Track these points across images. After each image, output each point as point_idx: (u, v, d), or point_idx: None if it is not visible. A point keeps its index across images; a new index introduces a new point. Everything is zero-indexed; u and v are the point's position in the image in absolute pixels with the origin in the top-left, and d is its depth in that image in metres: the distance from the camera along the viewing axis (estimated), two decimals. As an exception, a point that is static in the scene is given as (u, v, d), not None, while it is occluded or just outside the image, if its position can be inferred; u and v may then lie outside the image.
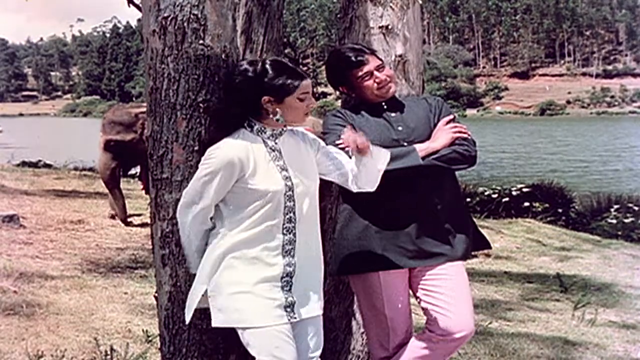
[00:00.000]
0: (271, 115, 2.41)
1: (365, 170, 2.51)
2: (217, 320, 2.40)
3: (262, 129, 2.44)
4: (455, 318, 2.69)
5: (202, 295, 2.43)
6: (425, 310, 2.78)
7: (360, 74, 2.80)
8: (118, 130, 8.14)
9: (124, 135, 8.10)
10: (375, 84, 2.80)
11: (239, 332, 2.40)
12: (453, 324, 2.69)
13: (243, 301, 2.36)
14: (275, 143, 2.45)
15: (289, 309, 2.39)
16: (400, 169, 2.67)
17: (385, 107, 2.84)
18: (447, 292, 2.73)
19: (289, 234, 2.41)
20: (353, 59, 2.82)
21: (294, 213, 2.42)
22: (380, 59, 2.88)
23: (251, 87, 2.38)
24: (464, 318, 2.70)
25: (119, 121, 8.19)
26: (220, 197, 2.38)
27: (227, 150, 2.36)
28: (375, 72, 2.80)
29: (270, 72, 2.38)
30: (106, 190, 8.56)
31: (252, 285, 2.36)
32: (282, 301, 2.38)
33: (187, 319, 2.49)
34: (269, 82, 2.37)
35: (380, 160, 2.51)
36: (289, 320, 2.39)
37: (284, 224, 2.40)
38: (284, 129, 2.48)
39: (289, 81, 2.38)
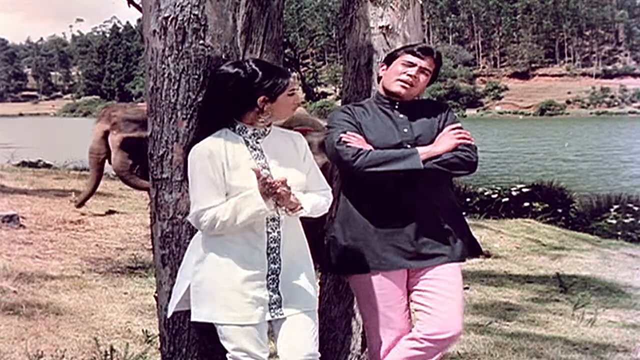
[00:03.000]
0: (261, 116, 2.44)
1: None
2: (199, 315, 2.43)
3: (244, 128, 2.47)
4: (443, 318, 2.72)
5: (184, 299, 2.46)
6: (416, 310, 2.80)
7: (407, 59, 2.81)
8: (134, 128, 8.06)
9: (140, 133, 8.03)
10: (402, 75, 2.80)
11: (218, 326, 2.43)
12: (440, 325, 2.71)
13: (227, 298, 2.39)
14: (257, 142, 2.47)
15: (274, 306, 2.43)
16: (400, 170, 2.69)
17: (396, 107, 2.86)
18: (438, 292, 2.75)
19: (273, 232, 2.44)
20: (416, 48, 2.82)
21: (277, 211, 2.43)
22: (430, 71, 2.85)
23: (245, 88, 2.41)
24: (452, 319, 2.72)
25: (134, 119, 8.12)
26: (223, 188, 2.38)
27: (204, 145, 2.40)
28: (416, 69, 2.80)
29: (260, 73, 2.41)
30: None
31: (236, 282, 2.39)
32: (267, 299, 2.42)
33: (169, 314, 2.54)
34: (263, 83, 2.41)
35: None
36: (272, 317, 2.43)
37: (267, 222, 2.43)
38: (267, 129, 2.50)
39: (280, 80, 2.43)
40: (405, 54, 2.83)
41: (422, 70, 2.82)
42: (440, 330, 2.70)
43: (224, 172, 2.38)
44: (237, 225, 2.36)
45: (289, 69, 2.55)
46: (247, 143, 2.46)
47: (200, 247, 2.44)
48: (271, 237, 2.43)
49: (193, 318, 2.44)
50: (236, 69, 2.43)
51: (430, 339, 2.71)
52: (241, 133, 2.47)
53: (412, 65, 2.81)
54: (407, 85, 2.81)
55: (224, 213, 2.34)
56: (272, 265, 2.44)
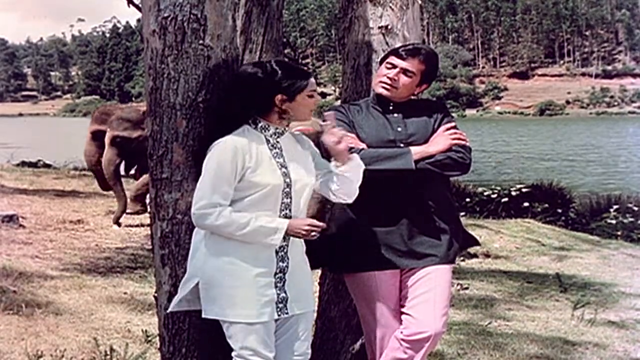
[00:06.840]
0: (284, 116, 2.47)
1: (344, 182, 2.56)
2: (209, 313, 2.43)
3: (266, 126, 2.49)
4: (419, 319, 2.73)
5: (185, 299, 2.47)
6: (401, 313, 2.81)
7: (390, 61, 2.81)
8: (125, 127, 8.15)
9: (130, 132, 8.12)
10: (383, 77, 2.81)
11: (224, 325, 2.43)
12: (417, 325, 2.72)
13: (237, 296, 2.39)
14: (277, 141, 2.49)
15: (280, 305, 2.44)
16: (391, 170, 2.70)
17: (391, 107, 2.85)
18: (420, 294, 2.76)
19: None
20: (402, 50, 2.82)
21: (290, 210, 2.46)
22: (413, 73, 2.83)
23: (263, 87, 2.43)
24: (429, 319, 2.72)
25: (127, 118, 8.23)
26: (231, 192, 2.38)
27: (231, 141, 2.40)
28: (396, 71, 2.79)
29: (280, 72, 2.43)
30: (106, 190, 8.59)
31: (246, 280, 2.40)
32: (274, 297, 2.43)
33: (170, 308, 2.53)
34: (282, 81, 2.43)
35: (357, 173, 2.57)
36: (279, 315, 2.44)
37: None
38: (286, 128, 2.53)
39: (299, 80, 2.45)
40: (390, 56, 2.84)
41: (403, 71, 2.80)
42: (417, 330, 2.72)
43: (246, 169, 2.38)
44: (235, 235, 2.37)
45: (310, 72, 2.57)
46: (267, 141, 2.48)
47: (208, 245, 2.43)
48: None
49: (203, 315, 2.44)
50: (255, 69, 2.46)
51: (408, 340, 2.73)
52: (263, 131, 2.48)
53: (393, 67, 2.81)
54: (387, 87, 2.82)
55: (239, 225, 2.35)
56: (281, 264, 2.45)
